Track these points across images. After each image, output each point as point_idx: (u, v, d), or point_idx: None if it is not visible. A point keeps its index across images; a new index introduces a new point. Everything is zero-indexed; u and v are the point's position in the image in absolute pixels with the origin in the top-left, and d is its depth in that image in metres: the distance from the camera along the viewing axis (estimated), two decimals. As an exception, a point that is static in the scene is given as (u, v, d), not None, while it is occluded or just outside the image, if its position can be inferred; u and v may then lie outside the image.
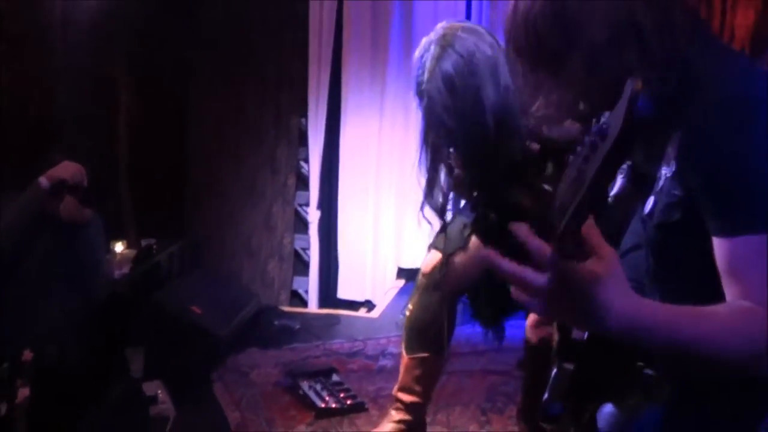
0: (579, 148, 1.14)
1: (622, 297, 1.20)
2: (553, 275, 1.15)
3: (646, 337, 1.23)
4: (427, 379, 3.10)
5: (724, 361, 1.29)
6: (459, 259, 2.90)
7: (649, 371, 1.40)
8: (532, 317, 2.03)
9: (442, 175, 2.67)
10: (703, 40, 1.49)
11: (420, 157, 2.67)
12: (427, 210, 2.73)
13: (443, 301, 2.97)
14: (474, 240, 2.89)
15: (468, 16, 4.87)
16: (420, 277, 3.05)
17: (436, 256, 2.97)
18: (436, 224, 2.82)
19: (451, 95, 2.52)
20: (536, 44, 1.47)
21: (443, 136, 2.59)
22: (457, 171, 2.67)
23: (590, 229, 1.15)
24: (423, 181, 2.68)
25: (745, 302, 1.31)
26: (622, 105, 1.05)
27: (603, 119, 1.13)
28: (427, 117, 2.60)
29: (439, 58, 2.55)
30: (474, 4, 4.97)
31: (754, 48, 4.26)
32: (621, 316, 1.19)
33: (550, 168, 2.37)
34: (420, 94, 2.60)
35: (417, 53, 2.64)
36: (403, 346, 3.10)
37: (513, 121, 2.50)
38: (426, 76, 2.57)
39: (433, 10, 4.98)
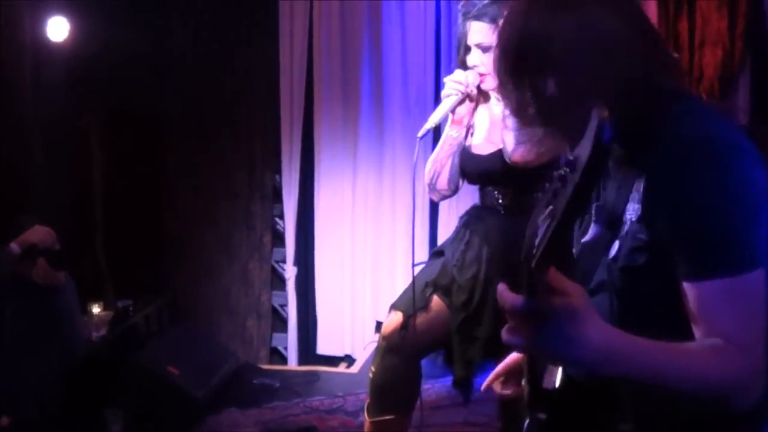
0: (547, 185, 1.17)
1: (597, 327, 1.22)
2: (529, 312, 1.17)
3: (622, 367, 1.25)
4: None
5: (698, 392, 1.30)
6: (420, 320, 2.82)
7: (618, 419, 1.40)
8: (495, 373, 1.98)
9: None
10: (673, 83, 1.51)
11: None
12: None
13: (404, 363, 2.90)
14: (436, 299, 2.87)
15: (437, 75, 4.94)
16: (380, 339, 2.97)
17: (397, 316, 2.90)
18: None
19: None
20: (513, 67, 1.46)
21: None
22: None
23: (553, 273, 1.17)
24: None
25: (716, 339, 1.33)
26: (589, 135, 1.10)
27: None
28: None
29: None
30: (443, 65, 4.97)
31: (722, 85, 4.34)
32: (597, 346, 1.22)
33: None
34: None
35: None
36: (365, 408, 3.01)
37: None
38: None
39: (401, 56, 5.03)
